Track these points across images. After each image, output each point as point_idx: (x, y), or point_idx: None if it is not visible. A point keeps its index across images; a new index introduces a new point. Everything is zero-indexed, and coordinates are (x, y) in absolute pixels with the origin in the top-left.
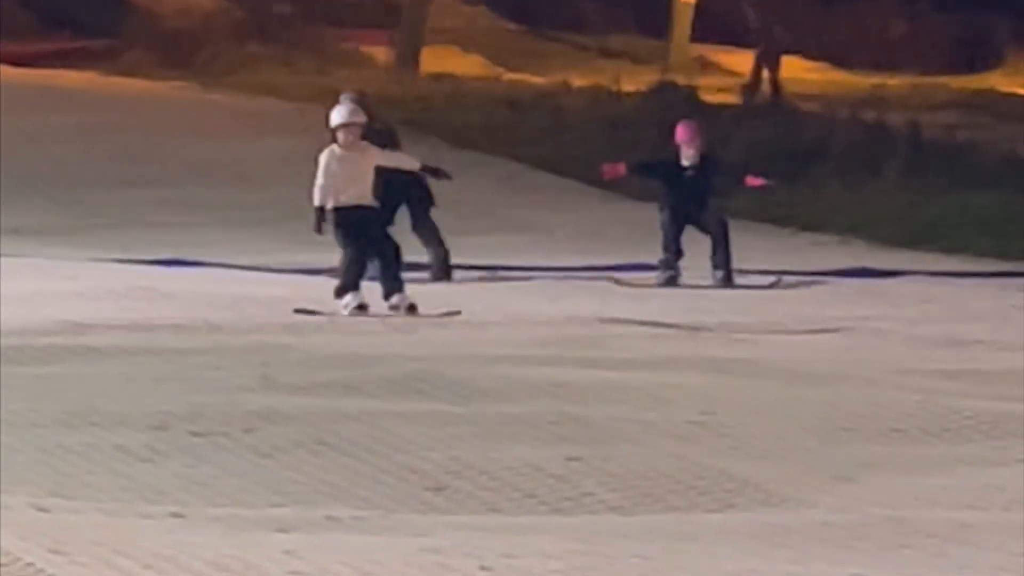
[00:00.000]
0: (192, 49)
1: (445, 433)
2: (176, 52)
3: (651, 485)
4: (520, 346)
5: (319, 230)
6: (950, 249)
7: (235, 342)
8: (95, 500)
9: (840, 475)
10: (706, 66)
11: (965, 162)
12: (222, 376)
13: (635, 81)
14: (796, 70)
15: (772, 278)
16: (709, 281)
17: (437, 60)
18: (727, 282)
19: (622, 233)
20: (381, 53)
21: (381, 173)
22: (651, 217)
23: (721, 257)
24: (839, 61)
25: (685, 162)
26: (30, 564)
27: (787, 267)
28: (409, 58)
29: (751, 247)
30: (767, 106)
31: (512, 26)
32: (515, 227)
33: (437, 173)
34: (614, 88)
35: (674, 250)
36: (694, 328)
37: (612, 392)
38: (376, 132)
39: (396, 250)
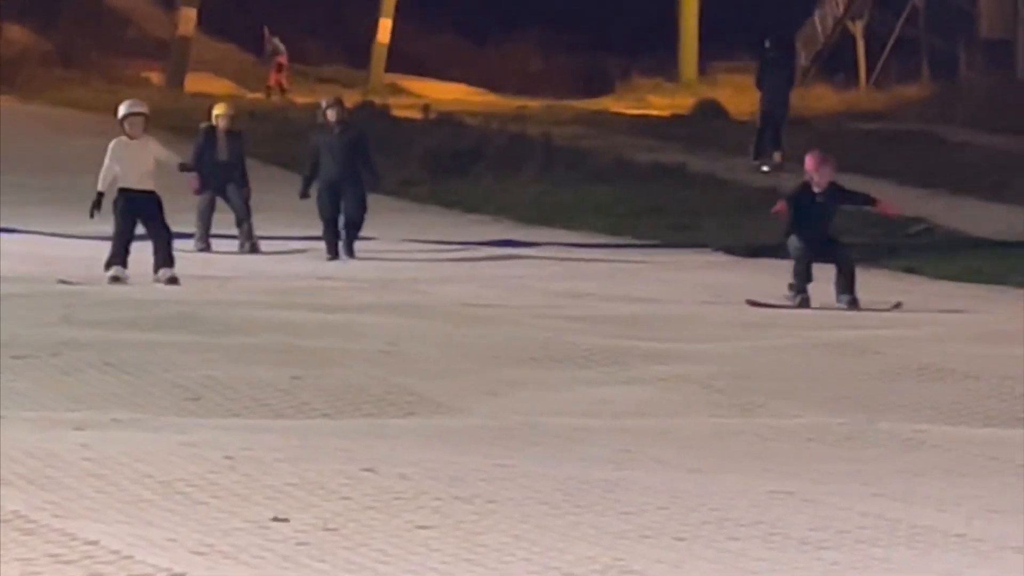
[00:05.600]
0: (13, 72)
1: (201, 358)
2: (1, 74)
3: (352, 397)
4: (257, 294)
5: (92, 215)
6: (573, 227)
7: (46, 289)
8: None
9: (491, 391)
10: (396, 90)
11: (585, 163)
12: (36, 314)
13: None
14: (462, 94)
15: (894, 302)
16: (836, 304)
17: (197, 83)
18: (853, 306)
19: None
20: (156, 77)
21: None
22: None
23: (846, 285)
24: (492, 87)
25: (816, 189)
26: None
27: (455, 239)
28: (177, 81)
29: (428, 224)
30: (439, 119)
31: (252, 58)
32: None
33: (184, 167)
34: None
35: (805, 277)
36: (384, 282)
37: (324, 328)
38: (351, 132)
39: (168, 234)
